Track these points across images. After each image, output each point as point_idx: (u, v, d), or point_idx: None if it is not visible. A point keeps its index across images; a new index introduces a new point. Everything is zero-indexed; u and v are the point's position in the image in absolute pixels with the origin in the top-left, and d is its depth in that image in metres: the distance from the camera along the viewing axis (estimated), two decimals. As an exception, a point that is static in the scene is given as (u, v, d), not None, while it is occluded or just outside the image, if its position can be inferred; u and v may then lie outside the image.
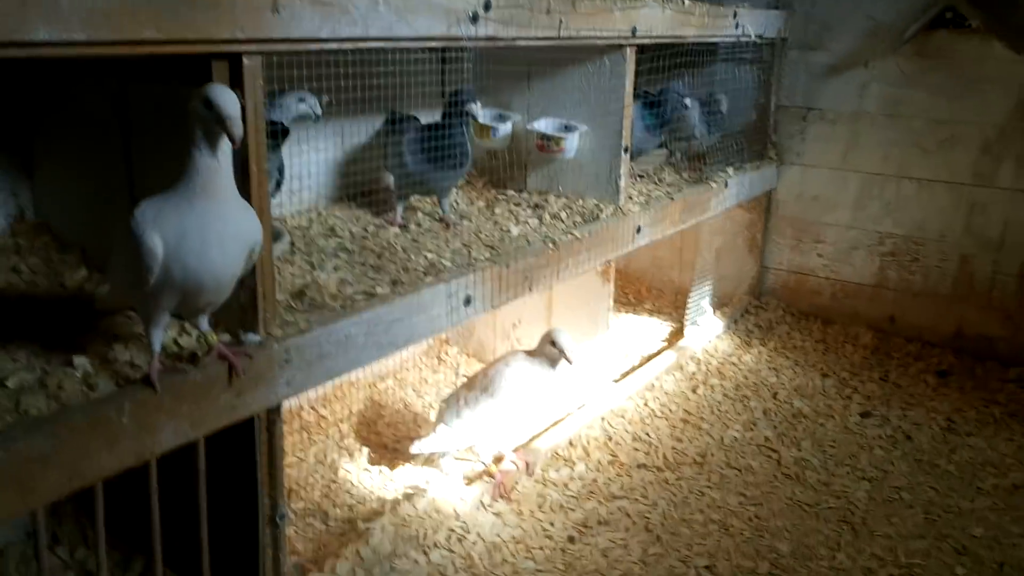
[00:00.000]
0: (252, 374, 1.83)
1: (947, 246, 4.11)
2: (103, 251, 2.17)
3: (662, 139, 3.79)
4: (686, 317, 4.19)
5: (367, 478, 2.92)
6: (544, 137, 3.23)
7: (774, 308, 4.57)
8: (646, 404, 3.53)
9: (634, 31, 2.98)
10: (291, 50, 1.86)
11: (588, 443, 3.20)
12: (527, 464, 2.97)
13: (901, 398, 3.68)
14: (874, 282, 4.32)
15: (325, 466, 2.95)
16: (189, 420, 1.73)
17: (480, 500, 2.76)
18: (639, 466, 3.08)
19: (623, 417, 3.41)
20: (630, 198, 3.31)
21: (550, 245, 2.75)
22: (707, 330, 4.22)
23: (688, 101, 3.66)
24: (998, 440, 3.36)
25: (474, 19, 2.27)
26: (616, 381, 3.61)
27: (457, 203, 3.18)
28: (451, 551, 2.54)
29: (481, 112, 2.87)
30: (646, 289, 4.91)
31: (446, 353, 3.89)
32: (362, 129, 3.18)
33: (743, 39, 3.80)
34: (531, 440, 3.12)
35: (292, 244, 2.52)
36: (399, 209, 2.91)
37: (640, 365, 3.84)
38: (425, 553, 2.50)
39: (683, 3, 3.28)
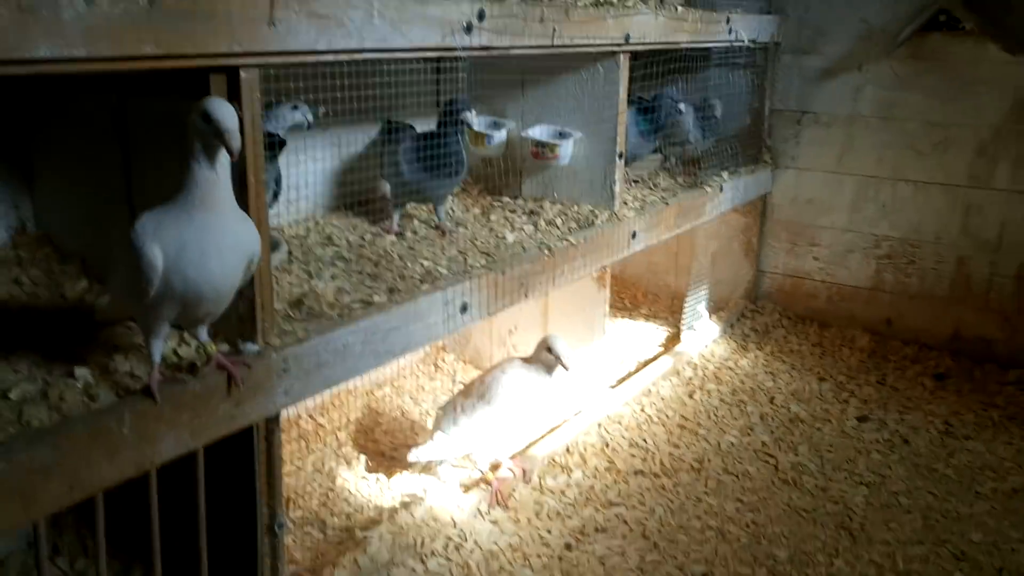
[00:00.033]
0: (250, 384, 1.86)
1: (943, 248, 4.14)
2: (103, 262, 2.22)
3: (657, 144, 3.81)
4: (682, 322, 4.23)
5: (365, 486, 2.94)
6: (539, 144, 3.26)
7: (770, 312, 4.60)
8: (643, 410, 3.56)
9: (627, 38, 3.02)
10: (288, 63, 1.89)
11: (585, 450, 3.22)
12: (524, 471, 2.99)
13: (898, 401, 3.70)
14: (870, 285, 4.35)
15: (323, 474, 2.98)
16: (189, 430, 1.76)
17: (477, 508, 2.79)
18: (636, 472, 3.11)
19: (620, 423, 3.43)
20: (625, 203, 3.34)
21: (545, 251, 2.79)
22: (703, 335, 4.25)
23: (682, 106, 3.69)
24: (997, 444, 3.37)
25: (468, 29, 2.31)
26: (613, 387, 3.64)
27: (453, 210, 3.21)
28: (448, 559, 2.56)
29: (476, 120, 2.91)
30: (642, 294, 4.95)
31: (443, 360, 3.92)
32: (358, 138, 3.22)
33: (736, 44, 3.85)
34: (528, 447, 3.14)
35: (290, 253, 2.55)
36: (395, 217, 2.94)
37: (636, 371, 3.87)
38: (423, 561, 2.53)
39: (676, 9, 3.33)
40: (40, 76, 1.48)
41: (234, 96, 1.77)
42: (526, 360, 2.93)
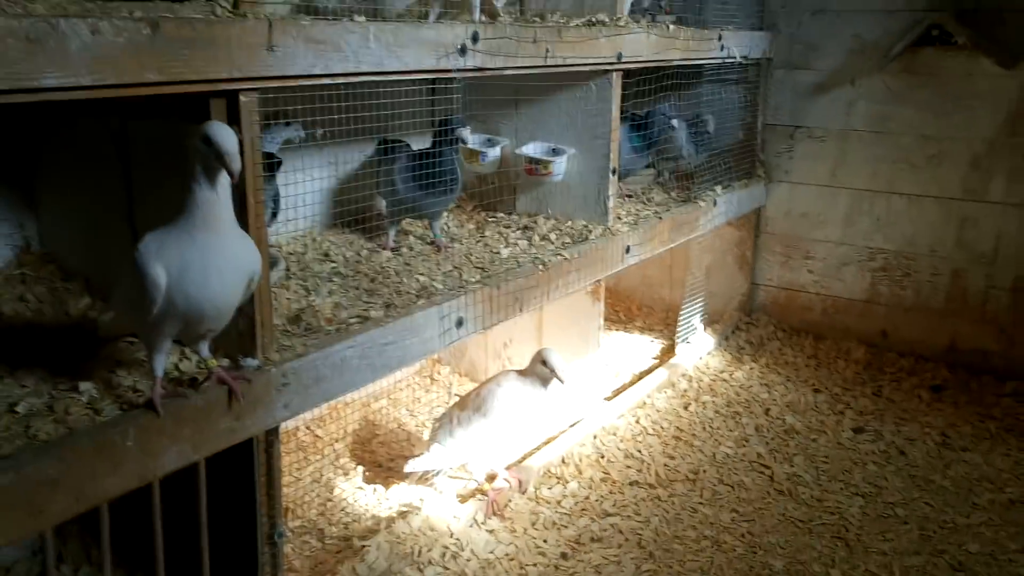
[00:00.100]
0: (251, 398, 1.93)
1: (939, 261, 4.17)
2: (105, 280, 2.29)
3: (650, 160, 3.88)
4: (677, 335, 4.26)
5: (362, 496, 2.99)
6: (533, 161, 3.33)
7: (765, 324, 4.63)
8: (638, 421, 3.59)
9: (619, 57, 3.09)
10: (286, 86, 1.97)
11: (580, 461, 3.26)
12: (520, 482, 3.04)
13: (895, 413, 3.72)
14: (865, 297, 4.38)
15: (321, 485, 3.03)
16: (191, 443, 1.83)
17: (474, 518, 2.84)
18: (631, 483, 3.14)
19: (615, 435, 3.47)
20: (619, 218, 3.40)
21: (540, 266, 2.84)
22: (698, 347, 4.29)
23: (675, 122, 3.76)
24: (994, 455, 3.38)
25: (462, 51, 2.39)
26: (608, 399, 3.67)
27: (448, 226, 3.27)
28: (446, 568, 2.61)
29: (471, 137, 2.98)
30: (636, 307, 4.99)
31: (438, 373, 3.97)
32: (355, 157, 3.29)
33: (728, 60, 3.91)
34: (524, 458, 3.19)
35: (288, 270, 2.62)
36: (391, 233, 3.01)
37: (631, 383, 3.91)
38: (420, 570, 2.58)
39: (667, 27, 3.40)
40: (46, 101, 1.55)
41: (234, 119, 1.84)
42: (521, 373, 2.97)
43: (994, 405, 3.81)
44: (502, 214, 3.47)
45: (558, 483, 3.13)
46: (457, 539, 2.74)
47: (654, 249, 3.55)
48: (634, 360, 4.27)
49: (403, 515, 2.79)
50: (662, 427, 3.57)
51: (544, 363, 2.89)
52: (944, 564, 2.73)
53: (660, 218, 3.57)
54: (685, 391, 3.93)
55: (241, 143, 1.76)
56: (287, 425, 3.20)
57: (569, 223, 3.33)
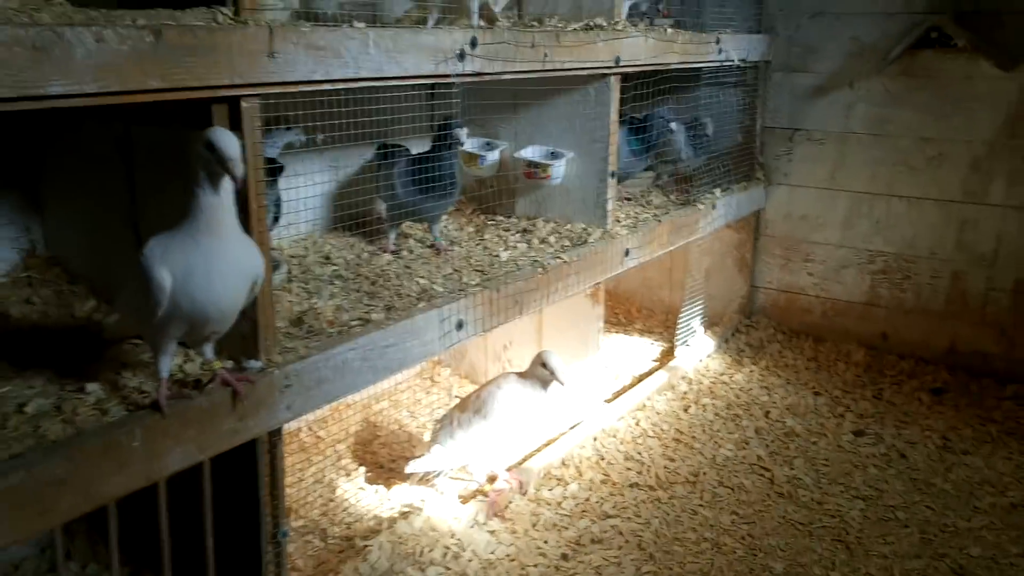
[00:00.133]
0: (254, 399, 1.98)
1: (938, 263, 4.19)
2: (109, 283, 2.34)
3: (649, 163, 3.91)
4: (677, 337, 4.30)
5: (364, 497, 3.04)
6: (531, 164, 3.36)
7: (765, 327, 4.65)
8: (638, 424, 3.63)
9: (617, 60, 3.13)
10: (287, 92, 2.01)
11: (580, 463, 3.30)
12: (520, 483, 3.08)
13: (895, 416, 3.73)
14: (865, 300, 4.41)
15: (323, 485, 3.07)
16: (195, 443, 1.88)
17: (475, 518, 2.88)
18: (631, 485, 3.18)
19: (615, 437, 3.51)
20: (618, 221, 3.44)
21: (539, 269, 2.88)
22: (698, 350, 4.32)
23: (674, 125, 3.79)
24: (996, 459, 3.40)
25: (461, 56, 2.44)
26: (608, 401, 3.71)
27: (447, 228, 3.32)
28: (447, 568, 2.65)
29: (466, 135, 3.00)
30: (636, 309, 5.03)
31: (439, 375, 4.02)
32: (355, 161, 3.33)
33: (726, 64, 3.94)
34: (524, 460, 3.23)
35: (289, 273, 2.67)
36: (391, 236, 3.05)
37: (631, 385, 3.95)
38: (422, 570, 2.62)
39: (665, 31, 3.44)
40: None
41: (235, 125, 1.89)
42: (521, 375, 3.01)
43: (995, 408, 3.83)
44: (501, 217, 3.51)
45: (558, 485, 3.16)
46: (458, 539, 2.78)
47: (653, 252, 3.58)
48: (634, 362, 4.30)
49: (405, 515, 2.84)
50: (662, 429, 3.60)
51: (544, 365, 2.93)
52: (945, 568, 2.75)
53: (659, 221, 3.60)
54: (685, 393, 3.96)
55: (243, 148, 1.80)
56: (290, 426, 3.25)
57: (568, 226, 3.37)
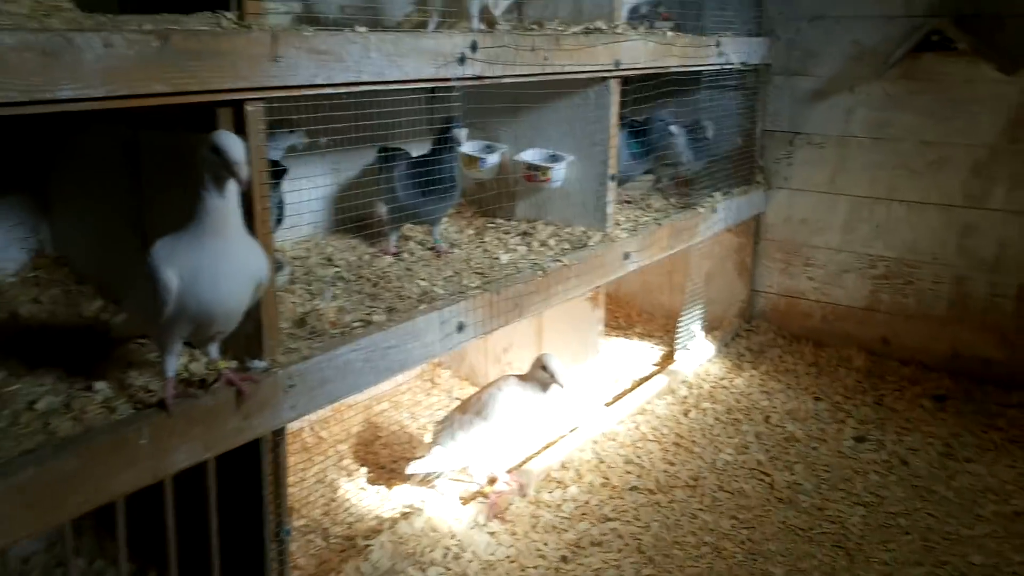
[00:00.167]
0: (258, 398, 2.04)
1: (940, 268, 4.20)
2: (116, 283, 2.40)
3: (649, 166, 3.96)
4: (676, 341, 4.33)
5: (365, 497, 3.10)
6: (531, 167, 3.40)
7: (765, 331, 4.69)
8: (637, 427, 3.67)
9: (617, 64, 3.18)
10: (290, 96, 2.07)
11: (580, 466, 3.35)
12: (520, 485, 3.13)
13: (896, 423, 3.74)
14: (866, 304, 4.43)
15: (325, 485, 3.13)
16: (201, 442, 1.94)
17: (475, 519, 2.94)
18: (631, 488, 3.22)
19: (615, 440, 3.55)
20: (618, 224, 3.49)
21: (539, 272, 2.94)
22: (698, 354, 4.36)
23: (674, 128, 3.85)
24: (999, 466, 3.40)
25: (461, 60, 2.49)
26: (607, 405, 3.75)
27: (447, 231, 3.37)
28: (447, 568, 2.71)
29: (466, 135, 3.05)
30: (636, 313, 5.07)
31: (439, 377, 4.08)
32: (356, 163, 3.39)
33: (726, 67, 3.99)
34: (524, 462, 3.28)
35: (292, 274, 2.73)
36: (392, 238, 3.11)
37: (631, 389, 3.99)
38: (423, 570, 2.68)
39: (665, 34, 3.49)
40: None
41: (240, 128, 1.94)
42: (521, 378, 3.06)
43: (999, 415, 3.83)
44: (501, 220, 3.55)
45: (558, 487, 3.21)
46: (459, 540, 2.83)
47: (653, 256, 3.62)
48: (634, 366, 4.33)
49: (406, 516, 2.89)
50: (662, 433, 3.64)
51: (544, 368, 2.98)
52: (946, 575, 2.77)
53: (659, 224, 3.65)
54: (685, 397, 3.99)
55: (248, 151, 1.86)
56: (292, 426, 3.30)
57: (568, 229, 3.41)
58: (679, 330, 4.34)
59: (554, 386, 2.99)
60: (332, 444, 3.40)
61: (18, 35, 1.52)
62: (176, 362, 1.94)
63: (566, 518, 3.04)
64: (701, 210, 3.97)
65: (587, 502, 3.14)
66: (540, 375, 3.00)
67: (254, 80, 1.93)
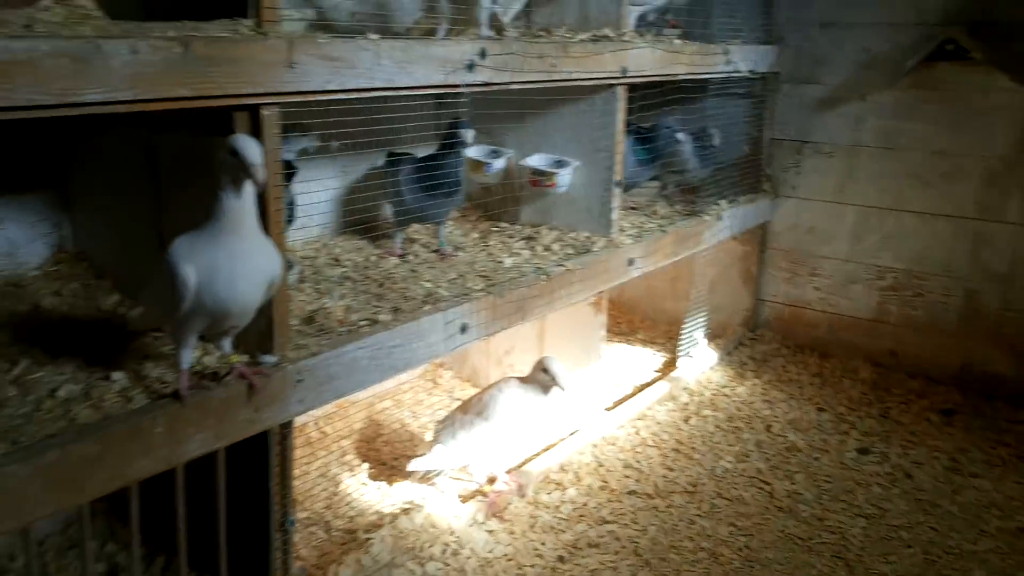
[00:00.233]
0: (268, 392, 2.19)
1: (951, 280, 4.24)
2: (131, 279, 2.55)
3: (655, 173, 4.06)
4: (679, 348, 4.42)
5: (366, 492, 3.23)
6: (537, 172, 3.51)
7: (769, 340, 4.78)
8: (638, 433, 3.77)
9: (624, 71, 3.29)
10: (304, 101, 2.21)
11: (579, 468, 3.46)
12: (519, 486, 3.25)
13: (902, 436, 3.79)
14: (873, 316, 4.48)
15: (327, 479, 3.26)
16: (214, 432, 2.09)
17: (474, 518, 3.06)
18: (629, 492, 3.32)
19: (614, 444, 3.66)
20: (622, 230, 3.59)
21: (542, 276, 3.06)
22: (700, 361, 4.45)
23: (680, 135, 3.94)
24: (1006, 482, 3.44)
25: (470, 67, 2.62)
26: (608, 409, 3.85)
27: (452, 234, 3.48)
28: (446, 564, 2.84)
29: (472, 138, 3.15)
30: (639, 319, 5.16)
31: (441, 377, 4.20)
32: (364, 166, 3.52)
33: (734, 75, 4.08)
34: (524, 463, 3.39)
35: (302, 273, 2.86)
36: (398, 240, 3.23)
37: (632, 394, 4.08)
38: (422, 565, 2.81)
39: (672, 42, 3.60)
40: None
41: (256, 131, 2.08)
42: (523, 380, 3.17)
43: (1007, 431, 3.87)
44: (506, 224, 3.65)
45: (557, 489, 3.31)
46: (457, 537, 2.95)
47: (657, 262, 3.72)
48: (635, 372, 4.42)
49: (406, 511, 3.01)
50: (662, 439, 3.74)
51: (545, 371, 3.07)
52: (948, 589, 2.84)
53: (664, 231, 3.75)
54: (686, 404, 4.08)
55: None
56: (297, 421, 3.45)
57: (572, 234, 3.51)
58: (682, 337, 4.41)
59: (555, 389, 3.08)
60: (335, 439, 3.52)
61: (52, 42, 1.66)
62: (190, 355, 2.08)
63: (564, 519, 3.13)
64: (706, 218, 4.06)
65: (585, 504, 3.23)
66: (541, 377, 3.09)
67: (270, 85, 2.06)
